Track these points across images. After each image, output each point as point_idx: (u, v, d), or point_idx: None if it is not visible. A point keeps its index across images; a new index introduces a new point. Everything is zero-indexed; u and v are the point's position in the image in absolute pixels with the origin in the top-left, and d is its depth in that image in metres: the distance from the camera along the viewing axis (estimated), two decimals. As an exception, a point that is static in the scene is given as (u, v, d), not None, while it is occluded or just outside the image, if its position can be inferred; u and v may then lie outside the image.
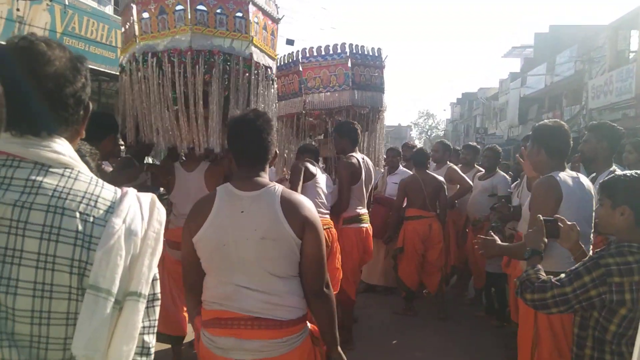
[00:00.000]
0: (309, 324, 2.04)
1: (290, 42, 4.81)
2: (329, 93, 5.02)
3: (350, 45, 5.01)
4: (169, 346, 3.79)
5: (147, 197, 1.15)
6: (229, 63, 3.17)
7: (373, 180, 4.87)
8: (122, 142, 3.75)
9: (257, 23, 3.36)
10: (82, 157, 2.20)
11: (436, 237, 5.37)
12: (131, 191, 1.13)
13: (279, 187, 1.98)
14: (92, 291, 0.99)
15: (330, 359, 2.08)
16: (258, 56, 3.34)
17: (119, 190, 1.13)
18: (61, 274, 1.00)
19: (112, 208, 1.07)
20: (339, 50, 5.01)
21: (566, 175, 2.74)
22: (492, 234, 3.01)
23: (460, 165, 6.55)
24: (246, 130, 2.00)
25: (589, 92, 19.10)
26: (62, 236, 1.00)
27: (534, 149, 2.86)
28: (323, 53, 5.03)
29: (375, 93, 5.14)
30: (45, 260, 0.99)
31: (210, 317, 1.96)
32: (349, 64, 4.97)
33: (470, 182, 5.86)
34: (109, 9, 11.30)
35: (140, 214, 1.10)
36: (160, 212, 1.15)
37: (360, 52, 5.06)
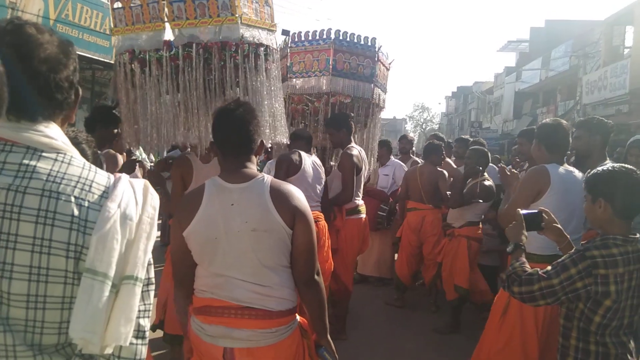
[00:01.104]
0: (298, 317, 2.05)
1: (285, 32, 4.79)
2: (309, 78, 4.95)
3: (337, 31, 4.90)
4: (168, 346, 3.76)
5: (140, 183, 1.15)
6: (224, 51, 2.92)
7: (365, 172, 4.87)
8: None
9: None
10: (79, 144, 2.19)
11: (429, 230, 5.37)
12: (124, 177, 1.14)
13: (268, 178, 1.98)
14: (89, 275, 1.00)
15: (320, 347, 2.09)
16: (252, 35, 3.06)
17: (112, 176, 1.13)
18: (57, 257, 1.00)
19: (107, 193, 1.08)
20: (324, 36, 4.90)
21: (561, 168, 3.00)
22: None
23: (453, 158, 6.59)
24: (227, 121, 1.99)
25: (583, 87, 19.17)
26: (57, 220, 1.01)
27: (535, 145, 3.17)
28: (310, 38, 4.97)
29: (360, 83, 5.01)
30: (41, 244, 0.99)
31: (201, 304, 1.97)
32: (332, 50, 4.87)
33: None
34: (103, -3, 11.19)
35: (134, 199, 1.10)
36: (154, 197, 1.15)
37: (347, 39, 4.95)
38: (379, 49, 5.00)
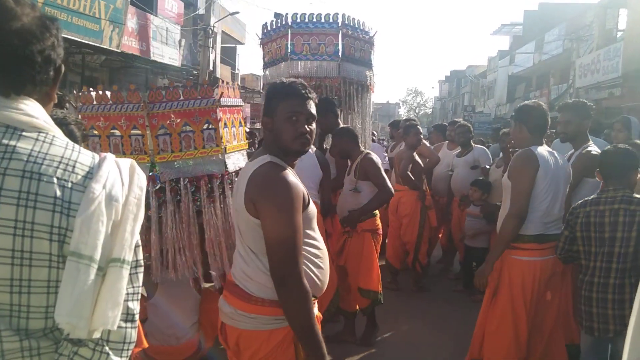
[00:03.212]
0: None
1: (277, 15, 4.74)
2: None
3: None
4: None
5: (127, 163, 1.11)
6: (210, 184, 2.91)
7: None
8: None
9: (226, 124, 3.02)
10: (67, 125, 2.16)
11: (402, 211, 5.43)
12: (109, 156, 1.10)
13: (266, 158, 1.88)
14: (74, 258, 0.97)
15: None
16: (234, 163, 3.07)
17: (96, 156, 1.09)
18: (40, 241, 0.97)
19: (91, 173, 1.04)
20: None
21: (543, 150, 3.09)
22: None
23: (447, 142, 6.61)
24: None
25: (576, 70, 19.14)
26: (39, 202, 0.97)
27: (516, 127, 3.21)
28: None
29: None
30: (23, 227, 0.96)
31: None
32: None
33: (438, 156, 6.00)
34: (91, -21, 11.00)
35: (120, 179, 1.07)
36: (141, 177, 1.11)
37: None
38: (341, 24, 4.86)
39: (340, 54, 4.83)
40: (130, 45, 12.82)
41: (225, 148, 2.92)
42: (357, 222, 3.96)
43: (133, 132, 2.87)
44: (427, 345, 4.21)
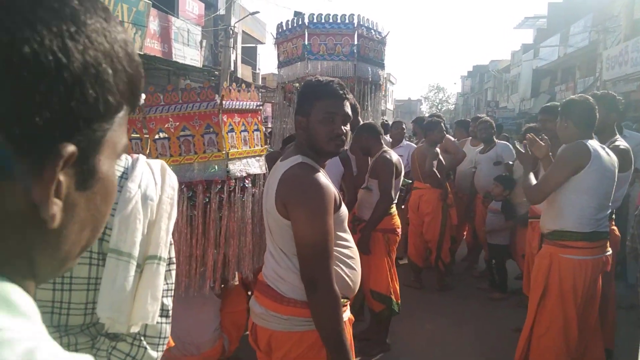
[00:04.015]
0: None
1: (297, 14, 4.79)
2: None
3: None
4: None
5: (157, 163, 1.15)
6: (209, 190, 2.81)
7: None
8: None
9: (232, 129, 2.91)
10: None
11: (424, 209, 5.35)
12: (141, 157, 1.13)
13: (298, 159, 1.84)
14: (114, 255, 1.01)
15: None
16: (240, 168, 2.95)
17: (129, 157, 1.12)
18: None
19: (126, 174, 1.08)
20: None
21: (595, 144, 3.01)
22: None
23: (470, 138, 6.53)
24: None
25: (603, 63, 18.68)
26: None
27: (562, 124, 3.13)
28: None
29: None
30: None
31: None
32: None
33: (464, 152, 5.89)
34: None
35: (153, 179, 1.10)
36: (172, 177, 1.15)
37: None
38: (357, 24, 4.97)
39: (355, 54, 4.92)
40: (152, 47, 12.97)
41: (227, 154, 2.82)
42: (368, 245, 3.80)
43: (133, 135, 2.84)
44: (451, 344, 4.15)
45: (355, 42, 4.96)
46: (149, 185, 1.08)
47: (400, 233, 4.09)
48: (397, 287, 3.95)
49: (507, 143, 6.12)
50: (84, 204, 0.48)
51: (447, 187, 5.42)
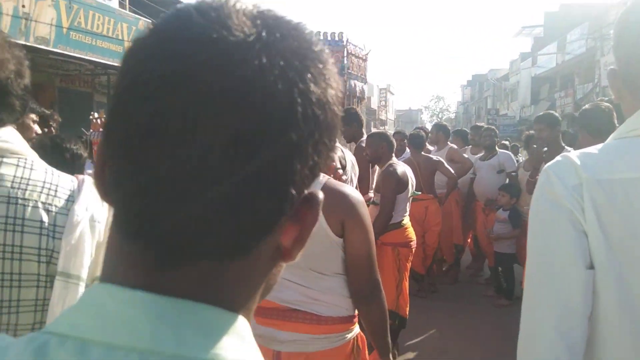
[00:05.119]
0: (357, 328, 1.91)
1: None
2: None
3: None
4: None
5: None
6: None
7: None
8: None
9: None
10: (67, 149, 2.18)
11: (433, 220, 5.32)
12: (87, 179, 1.13)
13: (324, 178, 1.82)
14: (62, 278, 1.02)
15: None
16: None
17: (75, 179, 1.13)
18: (29, 263, 1.02)
19: (72, 197, 1.08)
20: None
21: None
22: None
23: (470, 146, 6.56)
24: None
25: (601, 69, 18.79)
26: (27, 227, 1.02)
27: (580, 134, 3.17)
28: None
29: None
30: (12, 250, 1.01)
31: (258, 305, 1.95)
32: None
33: (471, 161, 5.92)
34: (114, 3, 11.33)
35: (100, 201, 1.11)
36: None
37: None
38: (346, 42, 5.10)
39: (346, 70, 5.02)
40: (153, 64, 13.09)
41: None
42: None
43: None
44: (458, 353, 4.14)
45: (345, 60, 5.07)
46: (96, 207, 1.09)
47: (414, 246, 3.96)
48: (407, 302, 3.84)
49: (509, 152, 6.17)
50: None
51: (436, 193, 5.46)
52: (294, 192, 0.41)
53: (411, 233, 3.93)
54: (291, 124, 0.38)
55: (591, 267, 0.91)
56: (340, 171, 2.34)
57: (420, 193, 5.43)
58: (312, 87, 0.40)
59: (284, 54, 0.39)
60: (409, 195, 3.97)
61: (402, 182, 3.82)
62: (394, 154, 4.06)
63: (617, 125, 3.53)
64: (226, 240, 0.40)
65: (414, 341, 4.15)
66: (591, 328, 0.93)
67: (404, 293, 3.81)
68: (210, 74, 0.37)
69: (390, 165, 3.85)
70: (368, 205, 4.38)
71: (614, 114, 3.17)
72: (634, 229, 0.88)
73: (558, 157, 1.00)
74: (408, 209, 4.01)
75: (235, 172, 0.37)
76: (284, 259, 0.46)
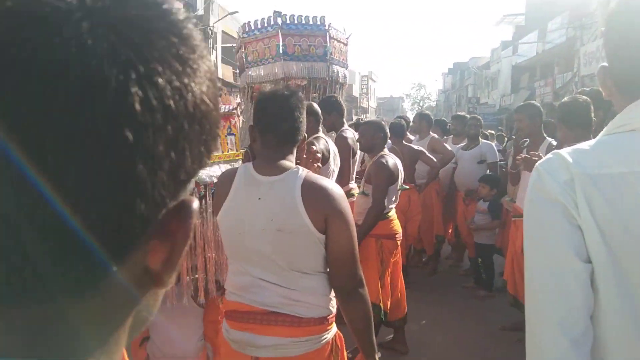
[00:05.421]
0: (334, 328, 1.86)
1: (277, 13, 4.70)
2: (263, 66, 5.03)
3: (284, 15, 5.00)
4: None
5: None
6: None
7: (358, 154, 4.78)
8: None
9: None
10: None
11: (415, 209, 5.33)
12: None
13: (304, 172, 1.76)
14: None
15: None
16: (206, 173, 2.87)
17: None
18: None
19: None
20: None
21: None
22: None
23: (452, 136, 6.52)
24: (277, 107, 1.79)
25: (580, 59, 18.95)
26: None
27: (559, 128, 3.16)
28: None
29: (314, 63, 5.09)
30: None
31: (229, 308, 1.84)
32: (279, 35, 4.95)
33: (453, 152, 5.88)
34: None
35: None
36: None
37: (295, 22, 5.05)
38: (329, 26, 5.05)
39: (329, 55, 5.00)
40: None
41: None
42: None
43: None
44: (438, 344, 4.13)
45: (328, 44, 5.01)
46: None
47: (399, 239, 3.88)
48: (388, 296, 3.79)
49: (491, 143, 6.16)
50: None
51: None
52: (142, 206, 0.31)
53: (397, 225, 3.87)
54: (125, 119, 0.30)
55: (588, 261, 0.93)
56: (319, 158, 2.24)
57: (408, 187, 5.38)
58: (159, 68, 0.31)
59: (115, 26, 0.30)
60: (398, 188, 3.92)
61: (393, 175, 3.77)
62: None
63: (594, 118, 3.50)
64: (54, 278, 0.30)
65: (391, 335, 4.11)
66: (593, 323, 0.95)
67: (385, 286, 3.77)
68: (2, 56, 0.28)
69: (382, 156, 3.81)
70: (352, 197, 4.38)
71: (592, 107, 3.14)
72: (625, 223, 0.90)
73: (549, 155, 1.02)
74: (396, 202, 3.96)
75: (53, 187, 0.28)
76: (157, 285, 0.36)
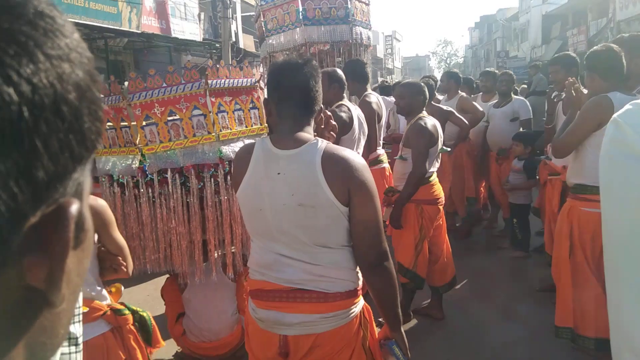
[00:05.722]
0: (362, 301, 1.82)
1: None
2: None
3: None
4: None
5: None
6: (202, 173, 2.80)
7: (384, 118, 4.64)
8: None
9: (223, 109, 2.82)
10: None
11: (445, 171, 5.16)
12: None
13: (323, 143, 1.70)
14: None
15: (389, 340, 1.83)
16: (231, 149, 2.86)
17: None
18: None
19: None
20: None
21: (622, 97, 2.78)
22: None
23: (481, 93, 6.31)
24: (294, 77, 1.73)
25: (616, 2, 17.97)
26: None
27: (588, 78, 3.03)
28: None
29: (336, 26, 4.93)
30: None
31: (254, 287, 1.82)
32: (299, 0, 4.81)
33: (483, 111, 5.65)
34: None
35: None
36: None
37: None
38: None
39: (351, 16, 4.83)
40: (150, 24, 12.73)
41: (218, 135, 2.71)
42: (400, 219, 3.60)
43: (122, 124, 2.75)
44: (472, 307, 4.06)
45: (349, 5, 4.83)
46: None
47: (442, 203, 3.77)
48: (426, 263, 3.72)
49: (524, 99, 5.92)
50: (76, 267, 0.36)
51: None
52: None
53: (438, 190, 3.74)
54: None
55: None
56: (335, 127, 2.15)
57: (449, 150, 5.22)
58: None
59: None
60: (438, 150, 3.77)
61: (433, 137, 3.62)
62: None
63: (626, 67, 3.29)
64: None
65: (428, 300, 4.06)
66: None
67: (424, 252, 3.69)
68: None
69: (420, 118, 3.65)
70: (380, 163, 4.28)
71: (623, 55, 2.94)
72: None
73: (627, 106, 0.94)
74: (437, 165, 3.82)
75: None
76: (49, 305, 0.32)
